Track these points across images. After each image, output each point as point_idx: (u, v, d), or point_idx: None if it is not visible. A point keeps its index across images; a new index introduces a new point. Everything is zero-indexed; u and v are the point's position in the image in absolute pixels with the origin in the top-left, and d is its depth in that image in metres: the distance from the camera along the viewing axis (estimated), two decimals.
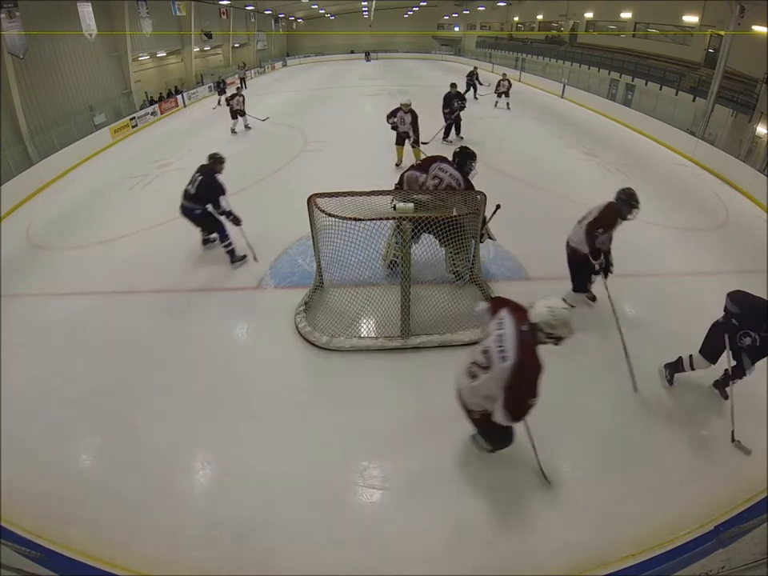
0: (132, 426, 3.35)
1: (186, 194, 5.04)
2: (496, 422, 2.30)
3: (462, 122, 9.81)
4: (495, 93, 13.56)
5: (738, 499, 2.78)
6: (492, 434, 2.48)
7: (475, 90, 14.63)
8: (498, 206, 4.33)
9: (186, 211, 5.11)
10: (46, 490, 2.93)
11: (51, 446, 3.23)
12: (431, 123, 10.80)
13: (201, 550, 2.60)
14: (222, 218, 5.09)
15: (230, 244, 5.26)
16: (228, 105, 11.42)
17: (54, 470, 3.07)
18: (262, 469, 3.01)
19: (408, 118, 7.56)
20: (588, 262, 3.91)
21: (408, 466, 3.03)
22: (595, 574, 2.47)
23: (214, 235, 5.43)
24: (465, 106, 9.51)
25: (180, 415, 3.43)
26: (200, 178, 4.98)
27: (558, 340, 2.22)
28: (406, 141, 7.76)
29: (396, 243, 4.39)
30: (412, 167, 4.64)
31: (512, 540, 2.63)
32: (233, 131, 11.59)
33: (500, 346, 2.23)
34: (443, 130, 9.72)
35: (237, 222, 5.12)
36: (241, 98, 11.29)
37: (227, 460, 3.12)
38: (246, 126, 11.81)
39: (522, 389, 2.19)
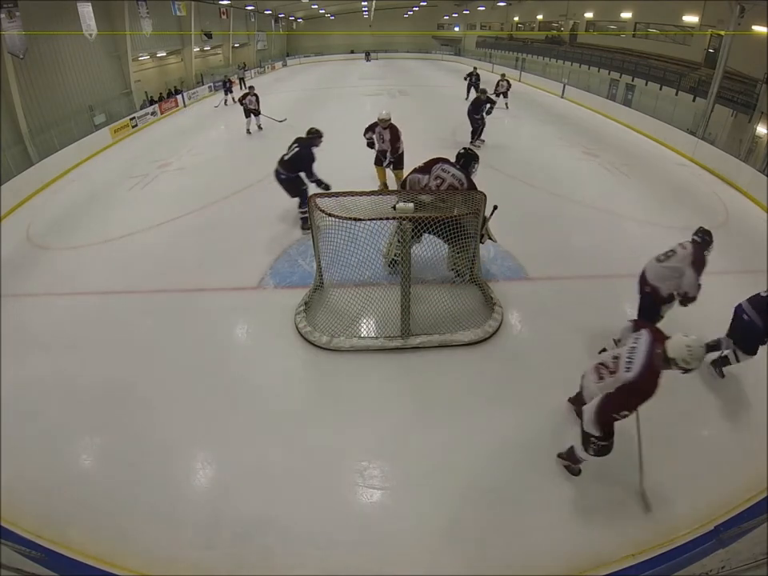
0: (132, 426, 3.35)
1: (281, 160, 5.55)
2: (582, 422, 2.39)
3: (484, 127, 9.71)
4: (494, 93, 13.45)
5: (738, 499, 2.78)
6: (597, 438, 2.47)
7: (477, 91, 14.57)
8: (495, 207, 4.30)
9: (277, 175, 5.62)
10: (46, 490, 2.93)
11: (51, 445, 3.23)
12: (435, 125, 10.84)
13: (201, 550, 2.60)
14: (313, 185, 5.57)
15: (306, 212, 5.58)
16: (241, 104, 11.25)
17: (54, 469, 3.07)
18: (261, 469, 3.02)
19: (387, 135, 6.34)
20: (665, 303, 3.68)
21: (408, 465, 3.03)
22: (595, 574, 2.47)
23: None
24: (492, 111, 9.61)
25: (180, 415, 3.43)
26: (296, 148, 5.50)
27: (687, 371, 2.31)
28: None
29: (397, 242, 4.38)
30: (414, 170, 4.64)
31: (512, 540, 2.63)
32: (248, 131, 11.43)
33: (629, 358, 2.35)
34: (471, 134, 9.64)
35: (327, 188, 5.49)
36: (254, 98, 11.10)
37: (227, 460, 3.12)
38: (259, 126, 11.58)
39: (623, 401, 2.29)
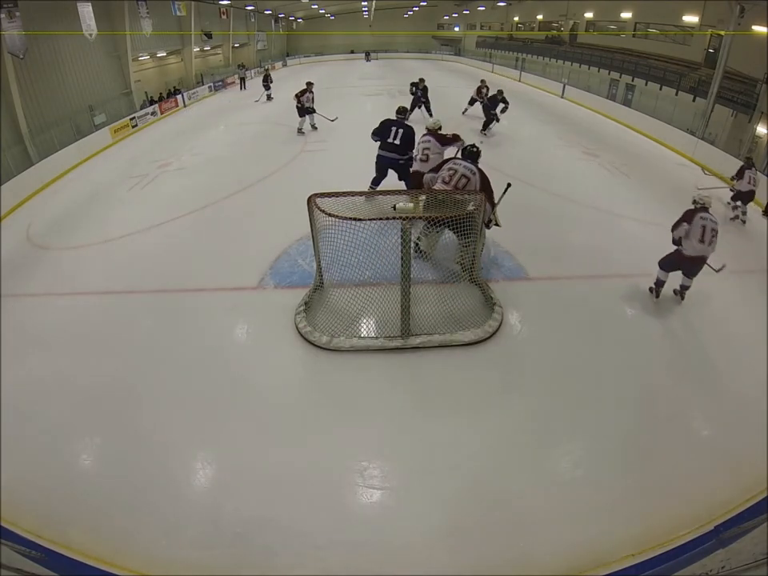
0: (132, 426, 3.35)
1: (391, 146, 5.64)
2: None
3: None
4: (479, 100, 11.77)
5: (738, 499, 2.78)
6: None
7: (427, 106, 11.57)
8: (509, 185, 4.58)
9: (389, 162, 5.73)
10: (46, 490, 2.93)
11: (51, 445, 3.23)
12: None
13: (201, 550, 2.60)
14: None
15: None
16: (298, 101, 10.25)
17: (54, 470, 3.07)
18: (261, 469, 3.01)
19: (434, 149, 5.55)
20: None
21: (408, 465, 3.03)
22: (595, 574, 2.47)
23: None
24: (506, 111, 10.75)
25: (180, 415, 3.43)
26: (401, 130, 5.61)
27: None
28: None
29: (421, 230, 4.68)
30: (429, 170, 4.97)
31: (512, 540, 2.63)
32: (299, 131, 10.70)
33: (714, 222, 4.15)
34: (487, 124, 10.62)
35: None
36: (311, 95, 10.28)
37: (227, 460, 3.12)
38: (313, 126, 10.83)
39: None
